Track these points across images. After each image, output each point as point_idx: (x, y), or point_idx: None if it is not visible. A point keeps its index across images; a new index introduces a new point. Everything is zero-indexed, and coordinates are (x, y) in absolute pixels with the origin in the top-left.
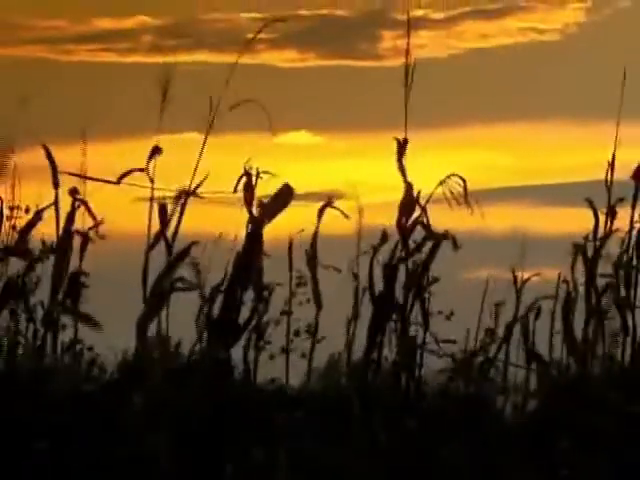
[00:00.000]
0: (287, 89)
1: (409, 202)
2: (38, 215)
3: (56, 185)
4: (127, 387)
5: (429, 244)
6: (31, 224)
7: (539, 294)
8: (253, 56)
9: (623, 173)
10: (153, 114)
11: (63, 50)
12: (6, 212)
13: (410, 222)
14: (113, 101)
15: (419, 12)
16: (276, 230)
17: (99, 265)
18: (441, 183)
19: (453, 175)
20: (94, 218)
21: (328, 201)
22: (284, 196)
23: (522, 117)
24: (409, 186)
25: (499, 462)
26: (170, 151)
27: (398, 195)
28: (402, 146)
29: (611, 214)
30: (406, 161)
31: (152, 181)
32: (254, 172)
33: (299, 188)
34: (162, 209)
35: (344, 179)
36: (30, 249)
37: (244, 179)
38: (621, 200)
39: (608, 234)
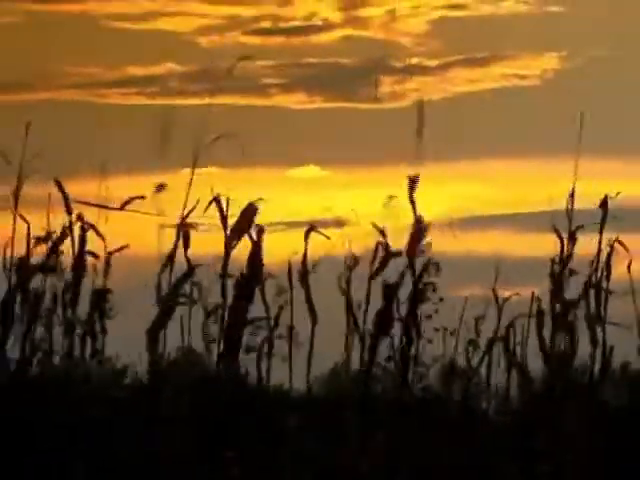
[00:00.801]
0: (297, 128)
1: (418, 232)
2: (62, 238)
3: (69, 212)
4: (156, 391)
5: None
6: (56, 245)
7: (518, 310)
8: (267, 99)
9: (590, 202)
10: (179, 149)
11: (99, 94)
12: (34, 234)
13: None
14: (146, 139)
15: (415, 60)
16: (286, 252)
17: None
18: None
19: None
20: (103, 240)
21: (311, 227)
22: (249, 215)
23: (504, 153)
24: (419, 218)
25: (485, 456)
26: (196, 183)
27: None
28: (414, 182)
29: (572, 239)
30: (402, 193)
31: (159, 210)
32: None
33: (307, 216)
34: (185, 235)
35: (348, 207)
36: (54, 266)
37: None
38: (581, 227)
39: (568, 257)
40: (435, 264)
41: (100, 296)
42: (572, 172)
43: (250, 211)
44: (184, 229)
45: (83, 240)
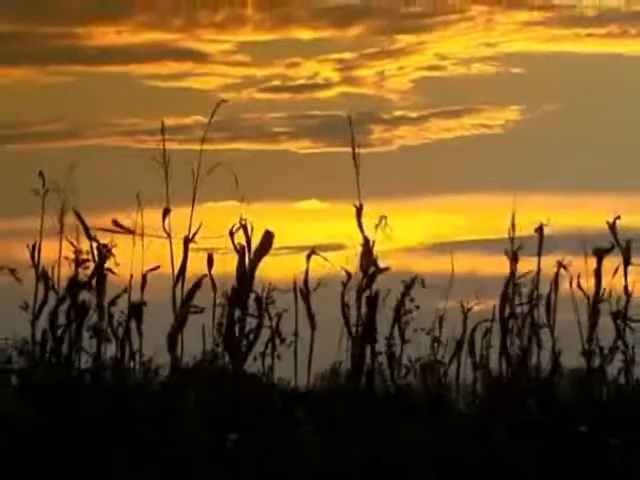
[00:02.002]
0: (302, 169)
1: (367, 252)
2: (102, 259)
3: (89, 238)
4: (180, 387)
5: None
6: (99, 266)
7: (482, 317)
8: (278, 144)
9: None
10: (205, 186)
11: (138, 140)
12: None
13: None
14: (178, 177)
15: (400, 112)
16: (292, 271)
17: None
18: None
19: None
20: (115, 262)
21: (312, 250)
22: (267, 241)
23: (473, 189)
24: (367, 240)
25: (454, 439)
26: (213, 215)
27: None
28: (359, 211)
29: (515, 260)
30: (392, 222)
31: (169, 235)
32: (249, 226)
33: (309, 242)
34: (210, 257)
35: (345, 235)
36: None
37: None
38: (520, 249)
39: (511, 276)
40: (421, 280)
41: (137, 308)
42: (529, 205)
43: (268, 237)
44: (209, 252)
45: (102, 260)
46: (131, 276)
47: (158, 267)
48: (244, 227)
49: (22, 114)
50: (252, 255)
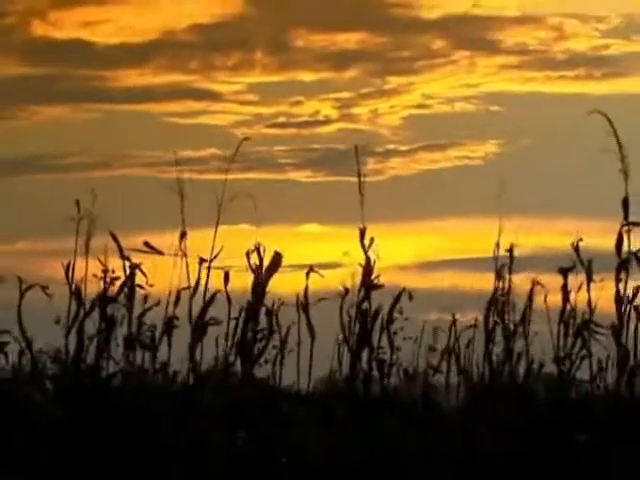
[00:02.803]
0: (305, 196)
1: (368, 270)
2: (131, 277)
3: (122, 257)
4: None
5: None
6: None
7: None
8: (283, 174)
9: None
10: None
11: (160, 171)
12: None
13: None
14: (195, 204)
15: (391, 146)
16: (294, 287)
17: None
18: None
19: None
20: (145, 276)
21: (310, 268)
22: (275, 262)
23: (457, 214)
24: (368, 259)
25: (439, 436)
26: (228, 237)
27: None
28: (362, 233)
29: (498, 277)
30: (385, 244)
31: (185, 254)
32: (262, 249)
33: (310, 261)
34: (226, 275)
35: (343, 255)
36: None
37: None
38: (502, 266)
39: (495, 290)
40: (409, 293)
41: (170, 322)
42: (507, 228)
43: (277, 258)
44: (225, 270)
45: (132, 277)
46: (170, 293)
47: (189, 287)
48: (257, 249)
49: (58, 147)
50: (263, 273)
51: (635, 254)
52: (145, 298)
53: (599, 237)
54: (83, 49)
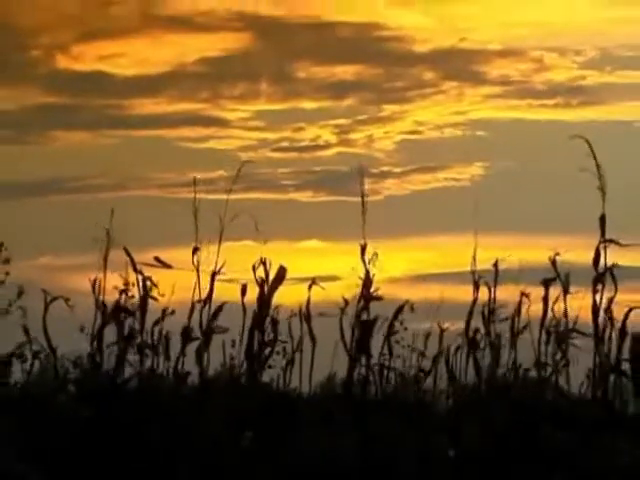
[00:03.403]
0: (306, 215)
1: (368, 281)
2: (144, 289)
3: (135, 270)
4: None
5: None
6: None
7: (455, 337)
8: (286, 195)
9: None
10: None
11: (171, 191)
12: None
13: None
14: (205, 222)
15: (386, 168)
16: (298, 298)
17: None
18: None
19: None
20: (159, 292)
21: (313, 281)
22: (280, 275)
23: (445, 230)
24: (368, 273)
25: (431, 434)
26: (234, 252)
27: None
28: (363, 249)
29: (476, 288)
30: (380, 258)
31: (197, 269)
32: (268, 263)
33: (311, 274)
34: (243, 288)
35: (342, 269)
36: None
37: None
38: (480, 277)
39: (474, 301)
40: (411, 305)
41: (186, 332)
42: (491, 243)
43: (282, 271)
44: (242, 283)
45: (145, 289)
46: (193, 305)
47: (206, 300)
48: (264, 263)
49: (79, 170)
50: (269, 286)
51: (610, 269)
52: (164, 311)
53: (578, 252)
54: (102, 80)
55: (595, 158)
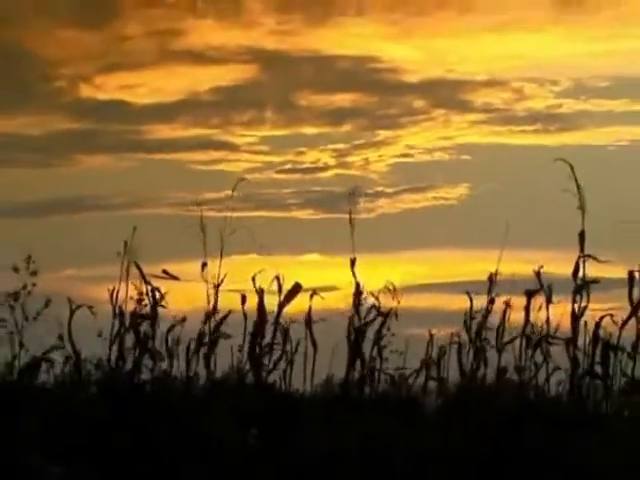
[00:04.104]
0: (307, 231)
1: (358, 292)
2: (158, 300)
3: (145, 282)
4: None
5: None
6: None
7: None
8: (289, 213)
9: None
10: (233, 243)
11: (186, 209)
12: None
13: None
14: (215, 239)
15: (380, 188)
16: (299, 307)
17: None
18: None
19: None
20: (163, 297)
21: (314, 291)
22: (295, 290)
23: (435, 246)
24: (358, 284)
25: (423, 430)
26: (240, 264)
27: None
28: (353, 262)
29: (470, 299)
30: (376, 271)
31: (206, 281)
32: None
33: (312, 285)
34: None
35: (340, 280)
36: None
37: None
38: (468, 292)
39: (471, 309)
40: (395, 313)
41: (200, 337)
42: (476, 257)
43: (297, 287)
44: (241, 293)
45: (154, 298)
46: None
47: (213, 309)
48: (278, 278)
49: (100, 190)
50: (282, 298)
51: (588, 281)
52: (183, 319)
53: (560, 265)
54: (121, 107)
55: (576, 180)
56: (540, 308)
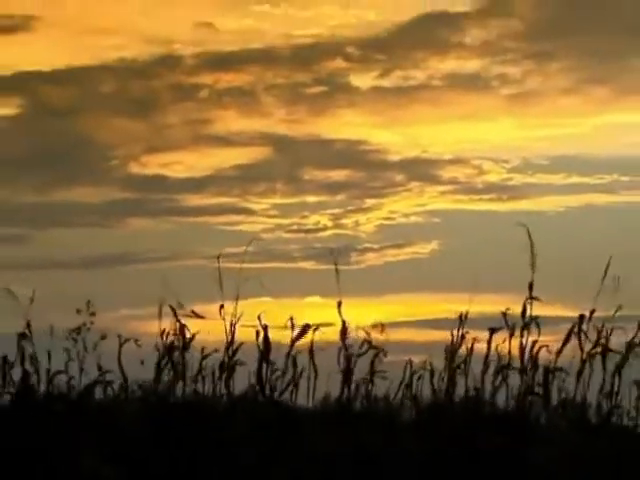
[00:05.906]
0: (310, 279)
1: (344, 330)
2: (184, 335)
3: (177, 320)
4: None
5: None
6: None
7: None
8: (295, 264)
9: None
10: (247, 289)
11: (213, 262)
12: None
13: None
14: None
15: (367, 245)
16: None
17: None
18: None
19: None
20: (189, 332)
21: (316, 327)
22: (304, 330)
23: (412, 291)
24: (344, 322)
25: (410, 438)
26: (254, 306)
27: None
28: (339, 304)
29: (452, 334)
30: (362, 311)
31: (224, 319)
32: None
33: (314, 321)
34: (258, 333)
35: (337, 318)
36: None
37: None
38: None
39: (462, 337)
40: (384, 352)
41: (222, 365)
42: (446, 300)
43: (307, 327)
44: (257, 330)
45: (183, 333)
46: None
47: (230, 342)
48: (291, 319)
49: (144, 246)
50: (294, 336)
51: (533, 319)
52: (216, 350)
53: (514, 307)
54: (162, 181)
55: (531, 240)
56: (504, 341)
